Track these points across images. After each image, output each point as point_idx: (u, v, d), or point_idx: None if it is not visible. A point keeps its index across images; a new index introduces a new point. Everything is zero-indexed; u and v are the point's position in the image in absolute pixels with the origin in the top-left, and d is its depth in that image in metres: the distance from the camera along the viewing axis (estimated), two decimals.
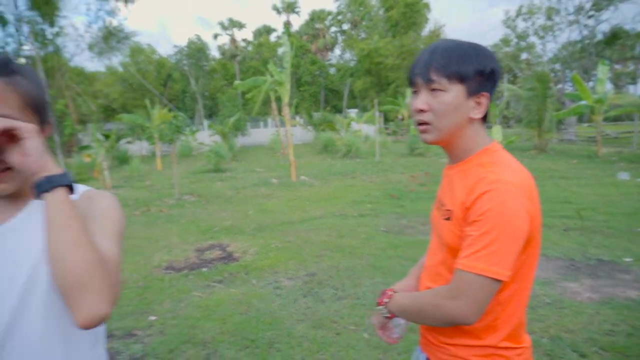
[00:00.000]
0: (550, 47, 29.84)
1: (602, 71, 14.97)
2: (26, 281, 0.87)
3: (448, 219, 1.14)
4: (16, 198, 0.96)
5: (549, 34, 29.48)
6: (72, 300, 0.80)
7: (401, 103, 28.15)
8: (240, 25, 43.59)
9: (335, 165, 15.23)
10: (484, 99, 1.12)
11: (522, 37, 31.67)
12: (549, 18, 28.82)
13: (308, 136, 28.91)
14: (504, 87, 18.07)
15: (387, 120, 34.42)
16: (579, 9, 27.13)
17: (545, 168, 12.09)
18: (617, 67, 35.37)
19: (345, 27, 47.62)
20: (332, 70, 44.23)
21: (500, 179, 1.04)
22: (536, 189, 1.12)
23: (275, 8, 46.45)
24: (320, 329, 3.29)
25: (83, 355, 0.95)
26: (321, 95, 42.63)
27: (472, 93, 1.11)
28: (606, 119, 17.28)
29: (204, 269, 4.86)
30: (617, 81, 36.98)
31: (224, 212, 8.10)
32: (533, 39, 31.02)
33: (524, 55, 33.28)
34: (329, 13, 46.26)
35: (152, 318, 3.63)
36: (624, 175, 10.26)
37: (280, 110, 22.65)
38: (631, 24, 28.00)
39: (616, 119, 23.70)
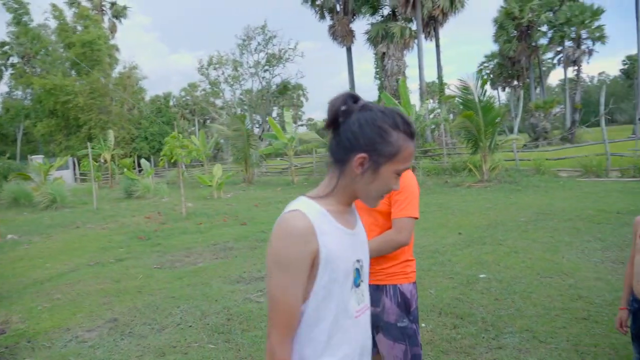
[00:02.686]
0: (238, 94, 34.44)
1: (287, 116, 18.67)
2: None
3: None
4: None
5: (237, 83, 34.02)
6: None
7: (102, 146, 26.53)
8: None
9: (42, 218, 13.26)
10: None
11: (214, 83, 35.21)
12: (235, 69, 33.33)
13: None
14: (214, 128, 19.88)
15: (79, 164, 31.37)
16: (257, 64, 32.53)
17: (261, 197, 14.19)
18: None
19: (15, 60, 40.89)
20: None
21: (407, 171, 1.98)
22: None
23: None
24: (166, 355, 3.44)
25: None
26: None
27: None
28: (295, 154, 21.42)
29: None
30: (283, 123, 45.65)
31: None
32: (224, 86, 35.04)
33: (217, 100, 36.96)
34: None
35: None
36: None
37: None
38: (295, 79, 35.40)
39: (296, 153, 29.53)
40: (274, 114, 41.70)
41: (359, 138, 1.14)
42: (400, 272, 2.02)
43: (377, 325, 2.04)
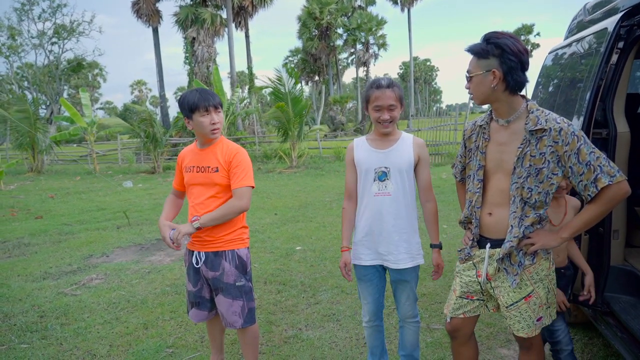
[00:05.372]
0: (16, 67, 28.66)
1: (85, 97, 16.71)
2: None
3: (217, 170, 2.22)
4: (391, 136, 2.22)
5: (15, 54, 28.39)
6: None
7: None
8: None
9: None
10: None
11: None
12: (12, 37, 27.72)
13: None
14: None
15: None
16: (42, 34, 27.80)
17: (56, 187, 12.53)
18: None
19: None
20: None
21: (240, 147, 2.29)
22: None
23: None
24: None
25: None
26: None
27: None
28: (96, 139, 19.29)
29: None
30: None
31: None
32: None
33: None
34: None
35: None
36: (128, 184, 12.40)
37: None
38: (92, 56, 31.40)
39: (98, 139, 26.43)
40: (65, 95, 36.42)
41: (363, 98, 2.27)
42: (238, 239, 2.32)
43: (217, 287, 2.29)
